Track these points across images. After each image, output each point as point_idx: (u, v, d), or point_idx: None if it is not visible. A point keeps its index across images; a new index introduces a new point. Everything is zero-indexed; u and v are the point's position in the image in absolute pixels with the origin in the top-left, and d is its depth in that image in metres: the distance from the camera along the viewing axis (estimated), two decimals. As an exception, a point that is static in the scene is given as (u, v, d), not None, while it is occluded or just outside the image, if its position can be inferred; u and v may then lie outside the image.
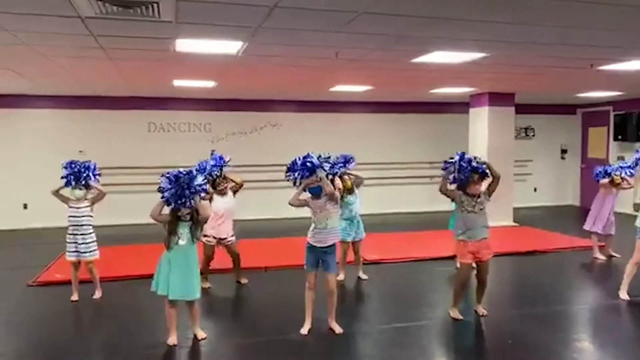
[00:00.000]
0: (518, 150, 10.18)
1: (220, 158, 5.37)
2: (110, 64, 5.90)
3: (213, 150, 5.57)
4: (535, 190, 11.91)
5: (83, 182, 4.96)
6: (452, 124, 10.64)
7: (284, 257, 6.59)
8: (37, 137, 9.17)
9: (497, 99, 9.30)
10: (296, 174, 4.09)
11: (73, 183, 4.94)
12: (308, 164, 4.05)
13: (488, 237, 4.47)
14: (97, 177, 5.10)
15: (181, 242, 3.85)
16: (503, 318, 4.68)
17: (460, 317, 4.53)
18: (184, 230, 3.86)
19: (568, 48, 5.21)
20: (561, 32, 4.53)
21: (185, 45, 4.88)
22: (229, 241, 5.46)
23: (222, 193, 5.35)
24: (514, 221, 9.55)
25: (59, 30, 4.32)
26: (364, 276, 5.82)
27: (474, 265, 4.52)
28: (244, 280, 5.69)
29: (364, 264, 5.94)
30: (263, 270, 6.21)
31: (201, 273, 4.35)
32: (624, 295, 5.06)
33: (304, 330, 4.19)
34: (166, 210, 3.90)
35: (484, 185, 4.45)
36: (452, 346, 4.23)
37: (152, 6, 3.60)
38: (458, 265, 4.80)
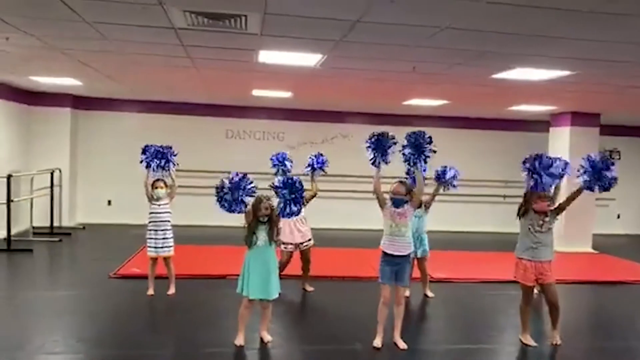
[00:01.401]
0: (601, 173, 9.62)
1: (322, 162, 5.54)
2: (195, 72, 6.21)
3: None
4: (618, 217, 11.20)
5: (163, 164, 5.21)
6: (530, 143, 10.17)
7: (350, 267, 6.61)
8: (122, 138, 9.73)
9: (580, 118, 8.87)
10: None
11: (154, 164, 5.19)
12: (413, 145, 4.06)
13: (552, 259, 4.29)
14: (174, 162, 5.32)
15: (259, 243, 4.04)
16: (577, 349, 4.45)
17: (533, 343, 4.34)
18: (261, 233, 4.04)
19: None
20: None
21: (267, 56, 5.05)
22: (305, 245, 5.57)
23: None
24: (593, 248, 9.03)
25: (153, 40, 4.62)
26: (430, 294, 5.72)
27: (537, 288, 4.39)
28: (309, 288, 5.77)
29: (430, 281, 5.84)
30: (329, 279, 6.26)
31: None
32: None
33: (378, 343, 4.14)
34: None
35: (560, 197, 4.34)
36: (521, 373, 4.08)
37: (241, 19, 3.77)
38: None
